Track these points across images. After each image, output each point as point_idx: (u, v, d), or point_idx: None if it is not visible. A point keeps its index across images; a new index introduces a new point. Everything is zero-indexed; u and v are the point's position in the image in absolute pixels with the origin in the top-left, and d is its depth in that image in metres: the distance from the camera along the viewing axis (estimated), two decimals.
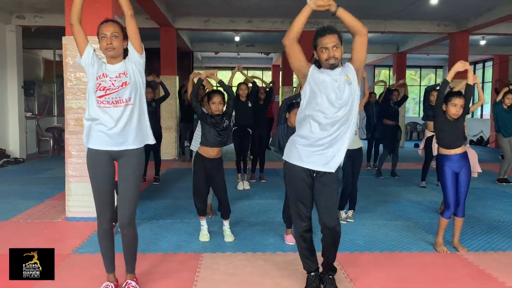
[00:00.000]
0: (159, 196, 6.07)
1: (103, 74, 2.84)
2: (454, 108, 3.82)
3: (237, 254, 3.79)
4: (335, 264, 3.10)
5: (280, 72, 15.95)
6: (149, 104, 6.75)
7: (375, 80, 16.93)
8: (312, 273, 3.07)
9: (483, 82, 15.73)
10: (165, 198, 5.93)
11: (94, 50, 2.90)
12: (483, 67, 15.84)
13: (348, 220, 4.86)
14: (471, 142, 15.21)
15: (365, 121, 8.96)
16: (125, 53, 2.92)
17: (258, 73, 18.43)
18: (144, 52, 2.93)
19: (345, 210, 4.92)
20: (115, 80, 2.82)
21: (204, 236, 4.17)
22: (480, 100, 4.65)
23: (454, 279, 3.32)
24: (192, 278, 3.27)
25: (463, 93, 3.93)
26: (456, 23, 10.46)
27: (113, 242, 3.00)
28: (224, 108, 4.10)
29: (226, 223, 4.23)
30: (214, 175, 4.13)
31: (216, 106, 4.03)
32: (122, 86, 2.82)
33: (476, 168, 4.82)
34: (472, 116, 16.52)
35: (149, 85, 6.74)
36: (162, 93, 7.12)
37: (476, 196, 6.27)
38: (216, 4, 9.09)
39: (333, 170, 2.87)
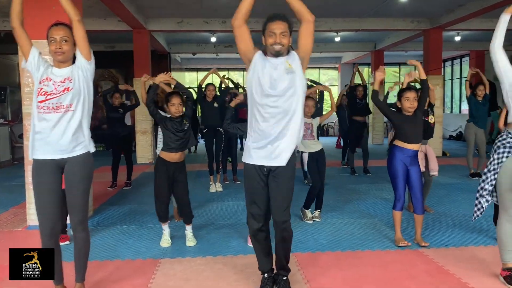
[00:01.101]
0: (127, 201, 5.98)
1: (47, 77, 2.75)
2: (408, 102, 3.84)
3: (197, 258, 3.73)
4: (293, 264, 3.05)
5: None
6: (116, 109, 6.71)
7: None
8: (266, 275, 3.03)
9: (460, 77, 15.88)
10: (132, 203, 5.84)
11: (40, 53, 2.82)
12: (460, 63, 15.99)
13: (314, 219, 4.83)
14: (450, 137, 15.35)
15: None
16: (75, 57, 2.85)
17: (238, 74, 18.38)
18: (93, 58, 2.86)
19: (310, 210, 4.89)
20: (58, 85, 2.74)
21: (165, 241, 4.09)
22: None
23: (412, 277, 3.30)
24: (146, 285, 3.20)
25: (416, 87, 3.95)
26: (429, 20, 10.52)
27: (60, 255, 2.89)
28: (181, 110, 4.03)
29: (188, 228, 4.16)
30: (176, 179, 4.06)
31: (176, 107, 3.96)
32: (64, 91, 2.73)
33: (435, 166, 4.84)
34: (451, 112, 16.70)
35: (117, 90, 6.66)
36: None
37: (447, 192, 6.30)
38: (189, 5, 9.01)
39: (283, 163, 2.80)
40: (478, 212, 3.23)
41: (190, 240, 4.10)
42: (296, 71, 2.78)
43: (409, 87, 3.99)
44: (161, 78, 4.08)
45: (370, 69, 16.37)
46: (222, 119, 6.64)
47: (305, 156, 4.75)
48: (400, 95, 3.94)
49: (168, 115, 4.05)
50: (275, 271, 3.07)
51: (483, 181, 3.18)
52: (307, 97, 5.04)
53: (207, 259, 3.70)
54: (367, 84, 8.53)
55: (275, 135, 2.78)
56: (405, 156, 3.88)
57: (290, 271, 3.05)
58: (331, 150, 11.64)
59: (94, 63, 2.87)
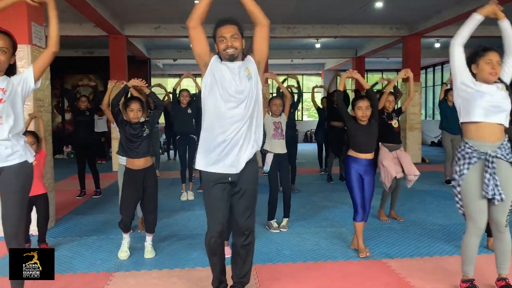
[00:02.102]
0: (93, 211, 5.81)
1: None
2: (360, 111, 3.79)
3: (153, 271, 3.58)
4: (252, 276, 2.94)
5: None
6: (83, 113, 6.55)
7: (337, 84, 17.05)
8: None
9: (441, 84, 15.92)
10: (97, 213, 5.67)
11: None
12: (442, 70, 16.09)
13: (281, 229, 4.72)
14: (432, 144, 15.38)
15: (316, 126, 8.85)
16: (10, 68, 2.71)
17: None
18: (39, 81, 2.78)
19: (274, 220, 4.77)
20: None
21: (123, 252, 3.95)
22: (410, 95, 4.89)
23: None
24: None
25: (370, 95, 3.88)
26: (407, 27, 10.55)
27: None
28: (141, 116, 3.92)
29: (149, 239, 4.02)
30: (145, 185, 3.92)
31: (134, 113, 3.85)
32: None
33: (412, 171, 4.77)
34: (433, 118, 16.77)
35: (78, 94, 6.53)
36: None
37: (420, 199, 6.24)
38: (165, 11, 8.90)
39: (245, 170, 2.71)
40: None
41: (149, 252, 3.96)
42: (253, 76, 2.71)
43: (362, 96, 3.94)
44: (134, 82, 4.02)
45: None
46: (198, 125, 6.57)
47: (269, 157, 4.64)
48: (353, 103, 3.89)
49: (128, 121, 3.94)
50: (229, 285, 2.95)
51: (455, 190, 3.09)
52: (274, 97, 4.99)
53: (163, 272, 3.56)
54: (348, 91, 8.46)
55: (235, 141, 2.68)
56: (359, 166, 3.82)
57: (247, 283, 2.94)
58: (315, 157, 11.55)
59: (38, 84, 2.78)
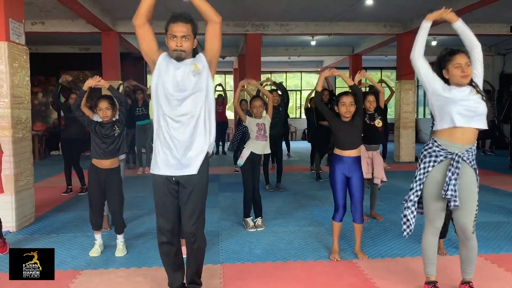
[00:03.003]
0: (75, 208, 5.82)
1: None
2: (344, 107, 3.71)
3: (120, 270, 3.58)
4: (217, 276, 2.92)
5: (233, 75, 15.90)
6: (69, 108, 6.54)
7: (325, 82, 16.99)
8: None
9: None
10: (79, 210, 5.66)
11: None
12: None
13: (258, 228, 4.70)
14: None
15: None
16: None
17: (219, 78, 18.26)
18: None
19: (252, 218, 4.76)
20: None
21: (95, 251, 3.95)
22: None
23: None
24: None
25: (354, 91, 3.81)
26: (401, 24, 10.47)
27: None
28: (111, 115, 3.90)
29: (120, 237, 4.02)
30: (108, 187, 3.92)
31: (103, 112, 3.84)
32: None
33: (380, 175, 4.75)
34: (424, 116, 16.66)
35: (73, 91, 6.52)
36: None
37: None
38: (155, 8, 8.80)
39: (194, 171, 2.66)
40: (407, 229, 3.06)
41: (120, 250, 3.96)
42: (202, 73, 2.66)
43: (346, 92, 3.85)
44: (88, 84, 3.91)
45: (349, 74, 16.30)
46: None
47: (246, 152, 4.62)
48: (337, 99, 3.82)
49: (99, 121, 3.92)
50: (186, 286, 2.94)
51: (410, 190, 3.07)
52: (254, 97, 4.93)
53: (130, 271, 3.56)
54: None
55: (183, 142, 2.65)
56: (343, 165, 3.76)
57: (201, 285, 2.93)
58: (308, 155, 11.51)
59: None
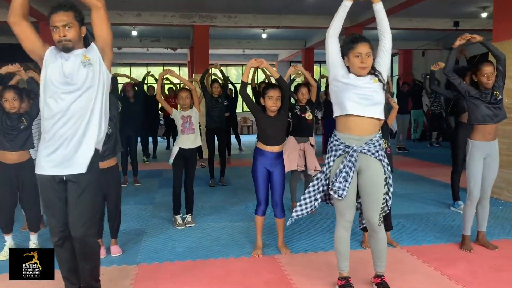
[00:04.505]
0: None
1: None
2: (270, 101, 3.60)
3: None
4: (129, 277, 2.76)
5: (187, 68, 15.62)
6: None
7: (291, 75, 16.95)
8: None
9: (391, 75, 16.15)
10: None
11: None
12: (392, 62, 16.26)
13: (187, 225, 4.56)
14: (392, 135, 15.51)
15: None
16: None
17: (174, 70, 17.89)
18: None
19: (181, 215, 4.62)
20: None
21: (3, 254, 3.69)
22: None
23: None
24: None
25: (280, 84, 3.72)
26: (349, 18, 10.50)
27: None
28: (20, 107, 3.67)
29: (33, 238, 3.79)
30: (21, 182, 3.69)
31: (10, 103, 3.62)
32: None
33: (313, 166, 4.71)
34: None
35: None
36: None
37: None
38: None
39: (82, 170, 2.49)
40: (297, 213, 3.00)
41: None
42: (94, 64, 2.49)
43: (273, 85, 3.74)
44: (6, 69, 3.71)
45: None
46: (122, 117, 6.42)
47: (175, 150, 4.46)
48: (263, 92, 3.70)
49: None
50: None
51: (316, 179, 2.99)
52: (182, 89, 4.74)
53: None
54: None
55: (71, 138, 2.47)
56: (265, 159, 3.67)
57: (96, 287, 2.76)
58: None
59: None
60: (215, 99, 6.59)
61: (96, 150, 2.56)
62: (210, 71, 6.72)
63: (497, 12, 5.82)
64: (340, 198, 2.76)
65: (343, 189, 2.73)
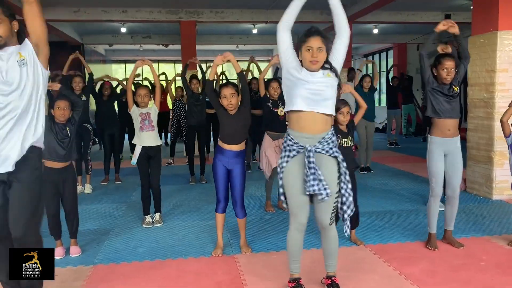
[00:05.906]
0: None
1: None
2: (225, 100, 3.54)
3: None
4: (81, 279, 2.71)
5: (182, 63, 15.53)
6: None
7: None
8: None
9: (386, 70, 16.01)
10: None
11: None
12: (386, 56, 16.13)
13: (155, 224, 4.53)
14: (376, 130, 15.44)
15: None
16: None
17: (168, 66, 17.88)
18: None
19: (151, 214, 4.59)
20: None
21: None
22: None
23: None
24: None
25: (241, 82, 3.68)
26: None
27: None
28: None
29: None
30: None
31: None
32: None
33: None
34: (379, 104, 16.85)
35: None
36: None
37: None
38: None
39: (10, 168, 2.42)
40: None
41: None
42: (29, 62, 2.44)
43: (227, 83, 3.69)
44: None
45: None
46: (103, 116, 6.50)
47: (137, 150, 4.41)
48: (219, 92, 3.64)
49: None
50: None
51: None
52: (141, 86, 4.63)
53: None
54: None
55: (3, 137, 2.42)
56: (224, 158, 3.62)
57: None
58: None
59: None
60: (196, 96, 6.54)
61: (33, 148, 2.51)
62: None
63: (476, 5, 5.72)
64: (326, 197, 2.68)
65: (324, 189, 2.66)
